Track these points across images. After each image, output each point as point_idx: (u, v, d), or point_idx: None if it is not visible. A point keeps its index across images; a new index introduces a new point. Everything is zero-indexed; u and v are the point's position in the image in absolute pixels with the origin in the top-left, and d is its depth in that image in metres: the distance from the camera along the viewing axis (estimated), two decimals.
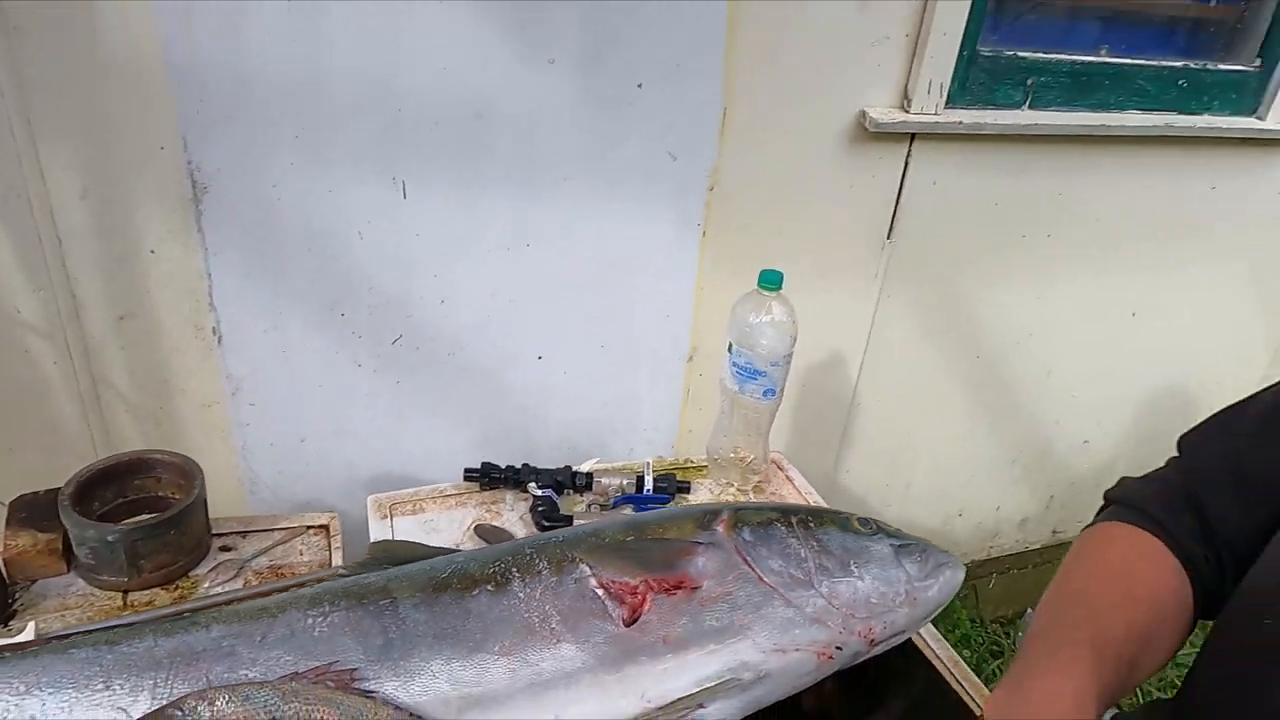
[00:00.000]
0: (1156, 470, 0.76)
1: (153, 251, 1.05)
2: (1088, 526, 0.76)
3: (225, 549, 0.95)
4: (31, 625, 0.81)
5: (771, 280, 1.05)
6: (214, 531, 0.96)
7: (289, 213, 1.08)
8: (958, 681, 0.87)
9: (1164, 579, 0.68)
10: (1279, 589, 0.60)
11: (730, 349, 1.08)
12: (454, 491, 1.09)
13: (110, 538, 0.84)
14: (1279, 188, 1.66)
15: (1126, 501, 0.75)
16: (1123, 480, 0.78)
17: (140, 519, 0.89)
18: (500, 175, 1.16)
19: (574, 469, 1.09)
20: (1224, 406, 0.73)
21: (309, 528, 1.00)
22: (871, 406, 1.62)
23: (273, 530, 0.99)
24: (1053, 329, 1.70)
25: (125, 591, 0.88)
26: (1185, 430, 0.75)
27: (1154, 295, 1.75)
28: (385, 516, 1.03)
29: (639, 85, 1.17)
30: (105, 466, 0.92)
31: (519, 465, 1.09)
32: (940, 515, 1.89)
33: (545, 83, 1.12)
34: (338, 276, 1.15)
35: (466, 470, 1.09)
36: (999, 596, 2.11)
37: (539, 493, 1.06)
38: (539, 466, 1.09)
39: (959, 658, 0.90)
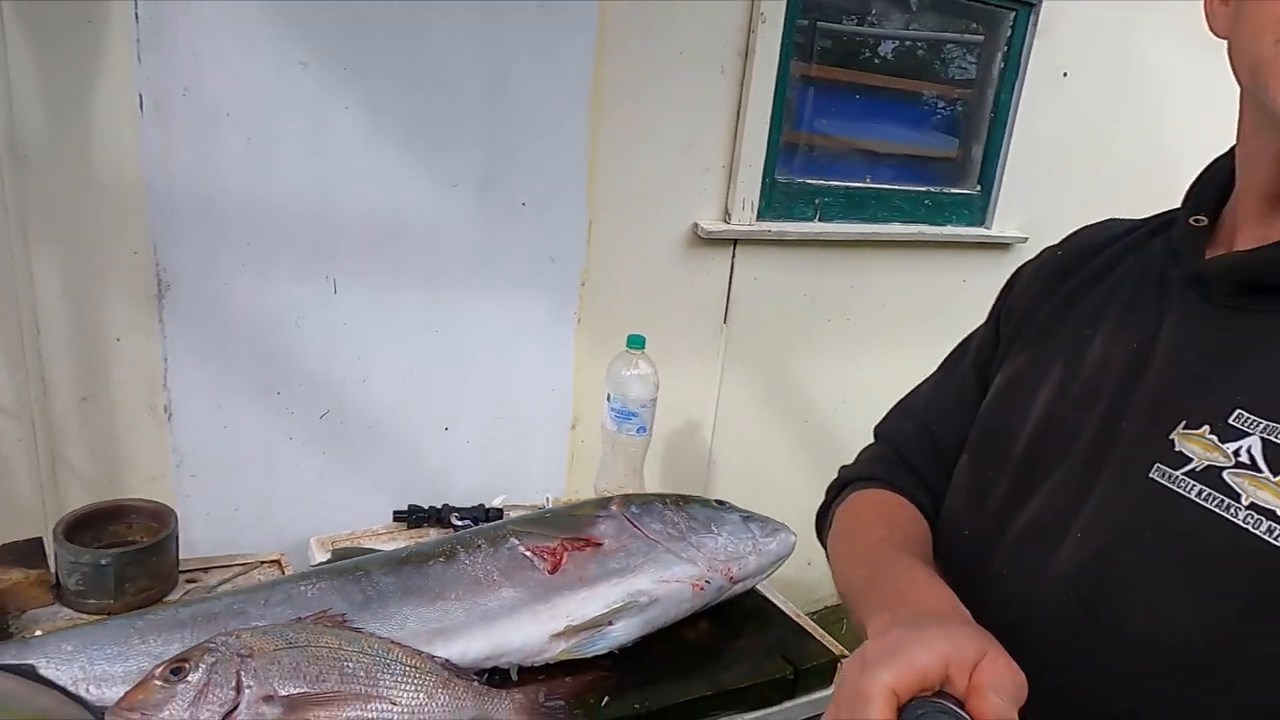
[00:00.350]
0: (861, 453, 0.87)
1: (118, 340, 1.23)
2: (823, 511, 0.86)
3: (191, 580, 1.11)
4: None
5: (637, 342, 1.36)
6: (180, 569, 1.12)
7: (238, 306, 1.30)
8: (805, 628, 1.14)
9: (915, 512, 0.77)
10: (966, 505, 0.73)
11: (609, 398, 1.37)
12: (385, 530, 1.28)
13: (103, 561, 0.99)
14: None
15: (850, 479, 0.83)
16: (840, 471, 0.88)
17: (127, 546, 1.04)
18: (413, 275, 1.43)
19: (486, 505, 1.32)
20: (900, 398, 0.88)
21: (263, 562, 1.17)
22: (726, 464, 1.94)
23: (231, 565, 1.15)
24: (861, 395, 2.10)
25: (109, 614, 1.02)
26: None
27: (931, 366, 2.19)
28: (328, 553, 1.21)
29: (523, 204, 1.50)
30: (88, 512, 1.07)
31: (439, 505, 1.31)
32: (793, 564, 2.18)
33: (449, 202, 1.43)
34: (276, 360, 1.36)
35: (395, 513, 1.29)
36: (851, 640, 2.40)
37: (460, 523, 1.27)
38: (455, 505, 1.31)
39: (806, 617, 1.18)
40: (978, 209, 2.09)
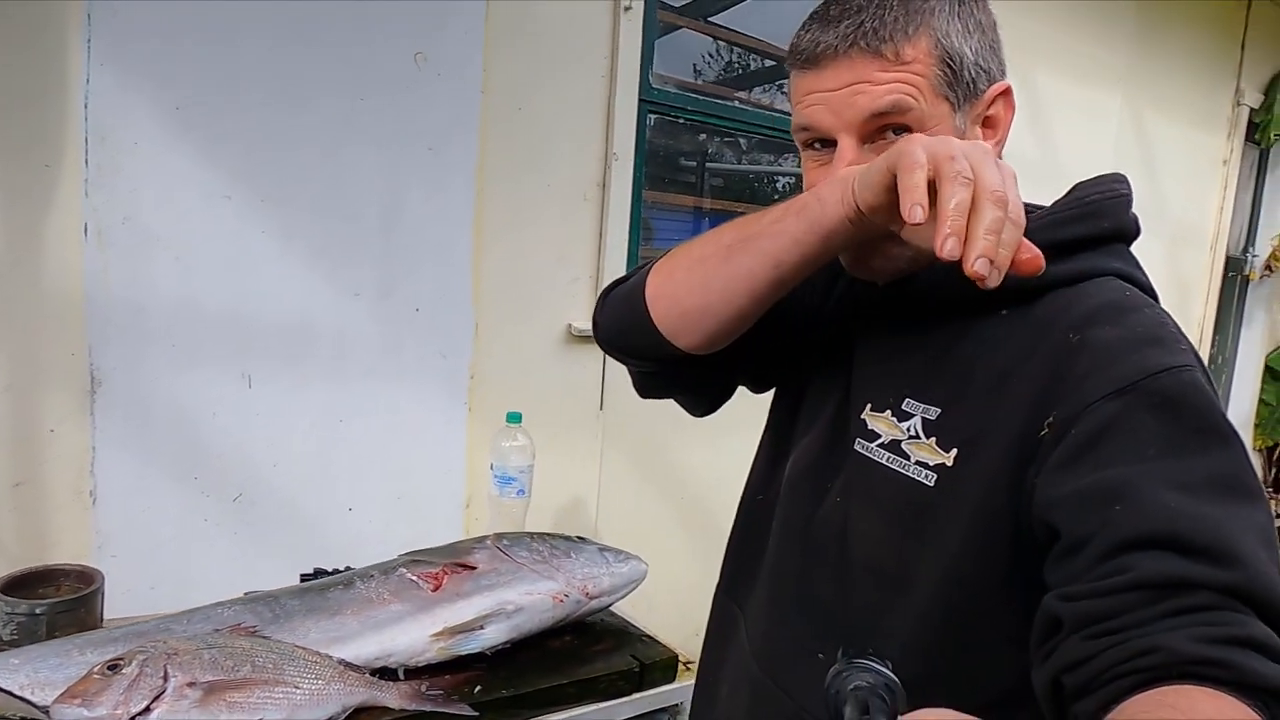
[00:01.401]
0: None
1: (52, 431, 1.41)
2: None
3: None
4: None
5: (515, 418, 1.61)
6: (104, 625, 1.26)
7: (161, 401, 1.50)
8: (654, 637, 1.35)
9: None
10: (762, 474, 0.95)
11: (492, 468, 1.60)
12: None
13: (37, 610, 1.14)
14: None
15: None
16: None
17: (61, 597, 1.19)
18: (320, 371, 1.66)
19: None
20: None
21: None
22: (610, 537, 2.15)
23: (151, 620, 1.30)
24: (731, 469, 2.36)
25: None
26: None
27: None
28: None
29: (417, 310, 1.76)
30: (22, 574, 1.22)
31: (343, 567, 1.49)
32: (680, 635, 2.37)
33: (352, 309, 1.68)
34: (195, 449, 1.55)
35: (302, 575, 1.46)
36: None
37: None
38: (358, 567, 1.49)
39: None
40: None
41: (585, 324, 1.98)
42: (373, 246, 1.68)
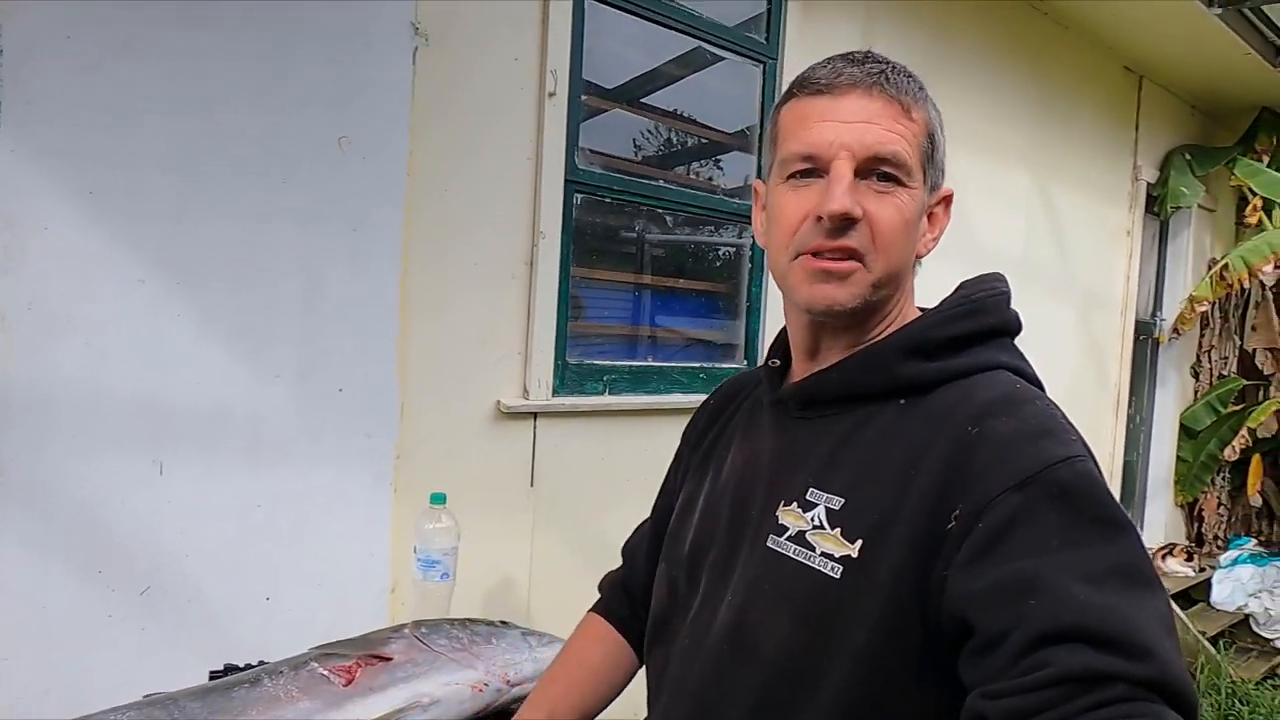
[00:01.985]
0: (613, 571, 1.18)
1: None
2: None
3: None
4: None
5: (439, 499, 1.58)
6: None
7: (65, 490, 1.44)
8: None
9: (595, 647, 1.08)
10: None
11: (415, 550, 1.56)
12: None
13: None
14: None
15: (601, 590, 1.19)
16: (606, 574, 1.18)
17: None
18: (237, 455, 1.62)
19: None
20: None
21: None
22: (542, 616, 2.10)
23: None
24: None
25: None
26: None
27: None
28: None
29: (340, 390, 1.74)
30: None
31: (255, 662, 1.42)
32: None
33: (272, 391, 1.65)
34: (99, 541, 1.48)
35: (212, 672, 1.39)
36: None
37: None
38: (273, 660, 1.43)
39: None
40: None
41: (514, 400, 1.98)
42: (293, 327, 1.66)
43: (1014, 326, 0.83)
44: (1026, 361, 0.81)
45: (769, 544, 0.80)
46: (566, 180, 2.04)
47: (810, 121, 0.78)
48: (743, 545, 0.84)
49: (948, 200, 0.86)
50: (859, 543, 0.72)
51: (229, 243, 1.57)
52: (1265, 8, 3.49)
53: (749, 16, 2.48)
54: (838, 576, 0.73)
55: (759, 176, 2.55)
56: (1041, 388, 0.79)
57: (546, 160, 1.99)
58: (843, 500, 0.75)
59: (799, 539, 0.77)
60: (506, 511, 2.02)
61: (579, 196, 2.11)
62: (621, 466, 2.23)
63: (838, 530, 0.74)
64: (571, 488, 2.14)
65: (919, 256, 0.84)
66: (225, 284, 1.57)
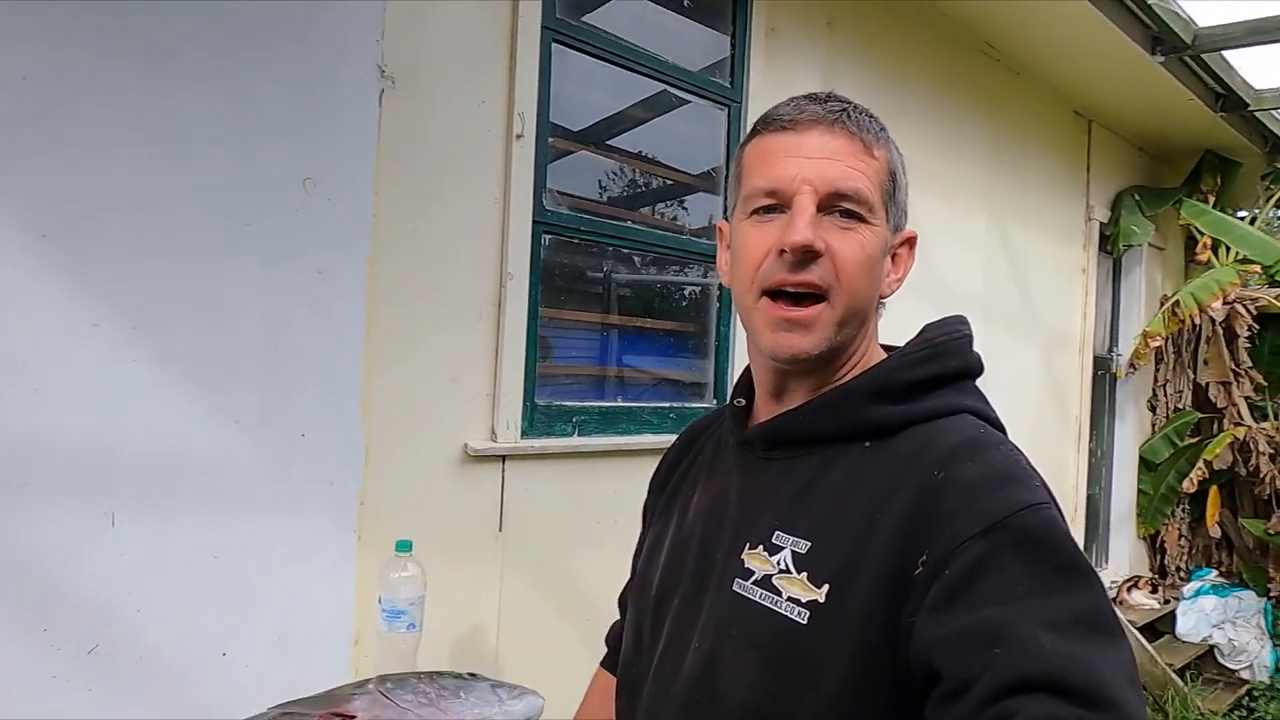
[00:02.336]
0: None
1: None
2: None
3: None
4: None
5: (404, 546, 1.54)
6: None
7: (7, 545, 1.37)
8: None
9: (605, 706, 1.03)
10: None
11: (380, 600, 1.51)
12: None
13: None
14: None
15: (608, 642, 1.16)
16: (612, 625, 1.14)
17: None
18: (194, 505, 1.56)
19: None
20: None
21: None
22: (513, 664, 2.04)
23: None
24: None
25: None
26: None
27: None
28: None
29: (302, 435, 1.69)
30: None
31: None
32: None
33: (233, 436, 1.60)
34: (46, 596, 1.41)
35: None
36: None
37: None
38: None
39: None
40: None
41: (482, 443, 1.95)
42: (255, 371, 1.62)
43: (976, 369, 0.83)
44: (988, 404, 0.82)
45: (735, 588, 0.79)
46: (534, 221, 2.04)
47: (774, 157, 0.79)
48: (708, 589, 0.83)
49: (911, 242, 0.86)
50: (826, 587, 0.72)
51: (191, 284, 1.54)
52: (1204, 55, 3.65)
53: (714, 61, 2.52)
54: (805, 622, 0.72)
55: (724, 217, 2.59)
56: (1003, 430, 0.80)
57: (514, 201, 1.99)
58: (809, 544, 0.75)
59: (765, 583, 0.76)
60: (474, 558, 1.98)
61: (547, 237, 2.11)
62: (592, 509, 2.20)
63: (804, 574, 0.73)
64: (541, 532, 2.10)
65: (882, 297, 0.84)
66: (186, 327, 1.53)
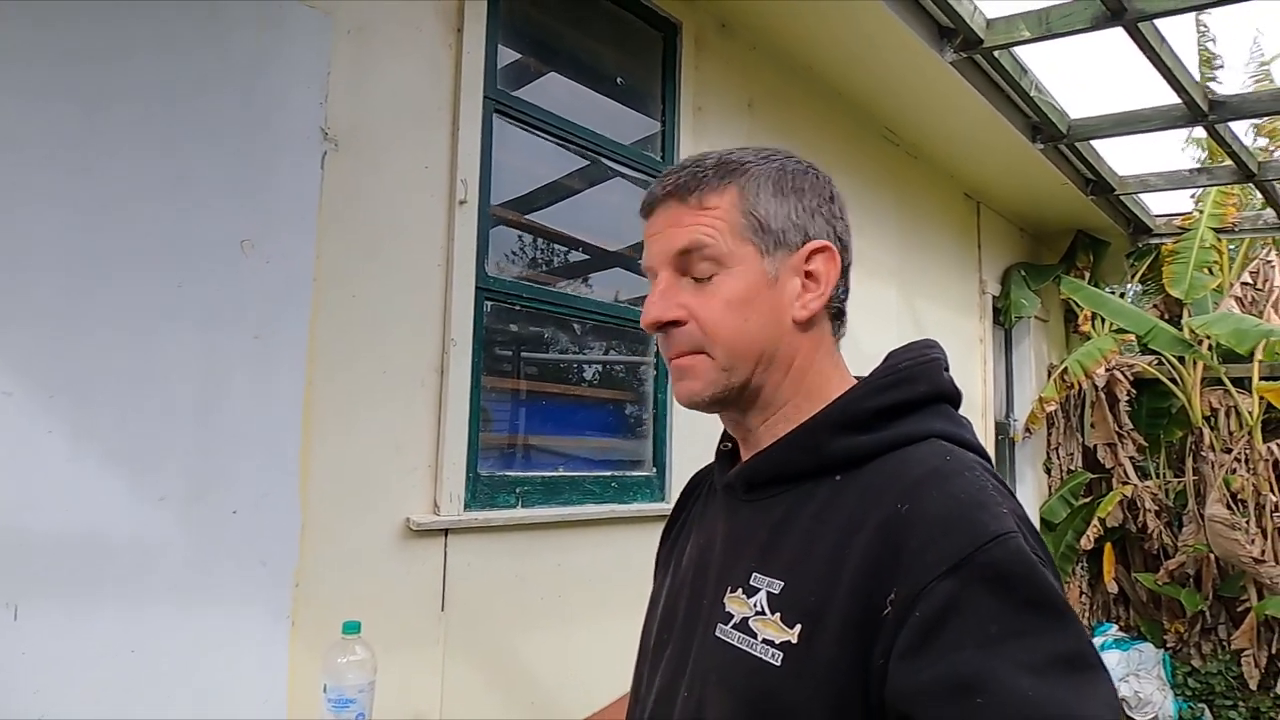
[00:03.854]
0: None
1: None
2: None
3: None
4: None
5: (352, 627, 1.43)
6: None
7: None
8: None
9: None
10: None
11: (325, 689, 1.39)
12: None
13: None
14: None
15: None
16: None
17: None
18: (111, 593, 1.41)
19: None
20: None
21: None
22: None
23: None
24: (580, 667, 2.22)
25: None
26: None
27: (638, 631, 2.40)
28: None
29: (234, 512, 1.57)
30: None
31: None
32: None
33: (156, 515, 1.47)
34: None
35: None
36: None
37: None
38: None
39: None
40: (656, 487, 2.47)
41: (424, 517, 1.86)
42: (184, 444, 1.51)
43: (948, 392, 0.82)
44: (964, 425, 0.81)
45: (717, 634, 0.77)
46: (477, 287, 2.01)
47: (644, 239, 0.85)
48: (695, 637, 0.81)
49: (824, 251, 0.82)
50: (798, 627, 0.70)
51: (116, 350, 1.43)
52: (1077, 144, 4.01)
53: (645, 135, 2.59)
54: (778, 664, 0.70)
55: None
56: (979, 450, 0.79)
57: (457, 267, 1.96)
58: (782, 583, 0.74)
59: (743, 626, 0.75)
60: (416, 641, 1.86)
61: (489, 304, 2.08)
62: (536, 586, 2.12)
63: (778, 615, 0.72)
64: (485, 611, 1.99)
65: (797, 321, 0.81)
66: (109, 395, 1.41)
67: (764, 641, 0.72)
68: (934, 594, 0.64)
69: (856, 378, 0.85)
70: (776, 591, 0.73)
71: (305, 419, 1.67)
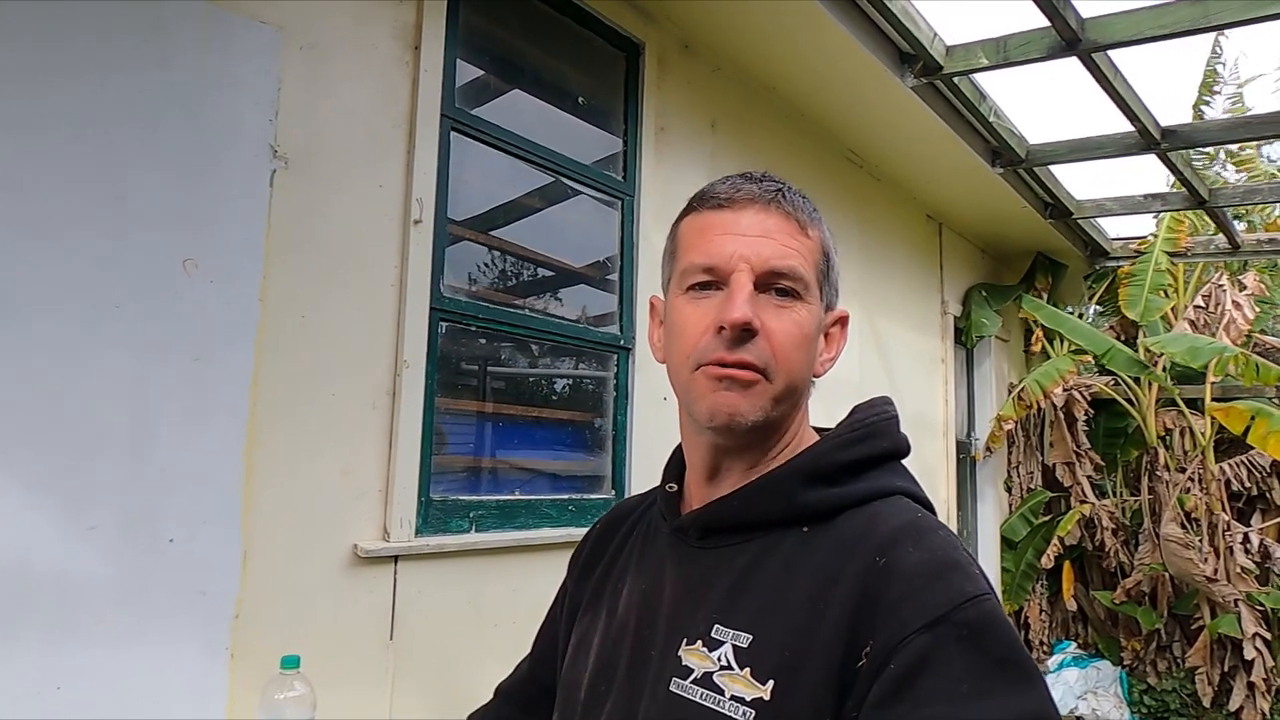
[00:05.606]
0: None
1: None
2: None
3: None
4: None
5: (291, 662, 1.38)
6: None
7: None
8: None
9: None
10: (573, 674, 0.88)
11: None
12: None
13: None
14: None
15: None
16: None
17: None
18: (33, 629, 1.35)
19: None
20: None
21: None
22: None
23: None
24: None
25: None
26: None
27: None
28: None
29: (170, 540, 1.51)
30: None
31: None
32: None
33: (85, 545, 1.41)
34: None
35: None
36: None
37: None
38: None
39: None
40: None
41: (373, 543, 1.81)
42: (117, 471, 1.45)
43: (904, 449, 0.83)
44: (917, 484, 0.82)
45: (673, 688, 0.74)
46: (432, 308, 1.98)
47: (710, 234, 0.79)
48: (643, 692, 0.77)
49: (843, 321, 0.86)
50: (771, 684, 0.68)
51: (46, 373, 1.37)
52: (1036, 169, 4.08)
53: (607, 155, 2.58)
54: None
55: (620, 305, 2.62)
56: (931, 509, 0.80)
57: (411, 287, 1.92)
58: (750, 637, 0.71)
59: (706, 681, 0.72)
60: (363, 672, 1.80)
61: (444, 325, 2.04)
62: (489, 613, 2.07)
63: (747, 670, 0.70)
64: (436, 640, 1.95)
65: (816, 375, 0.83)
66: (37, 422, 1.36)
67: (733, 699, 0.69)
68: (909, 648, 0.64)
69: (818, 429, 0.85)
70: (744, 645, 0.71)
71: (249, 443, 1.62)
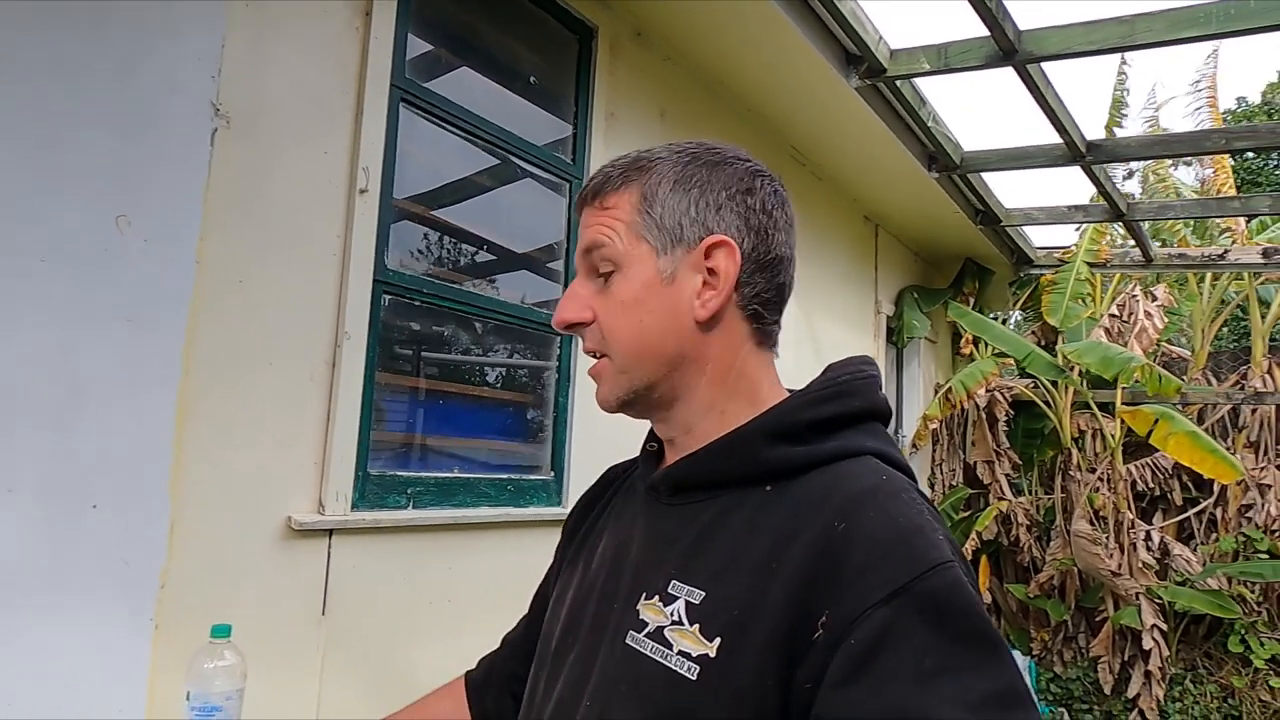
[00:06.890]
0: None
1: None
2: None
3: None
4: None
5: (222, 631, 1.34)
6: None
7: None
8: None
9: (441, 698, 1.07)
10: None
11: (189, 697, 1.30)
12: None
13: None
14: None
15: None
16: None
17: None
18: None
19: None
20: None
21: None
22: None
23: None
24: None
25: None
26: None
27: None
28: None
29: (94, 506, 1.46)
30: None
31: None
32: None
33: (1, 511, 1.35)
34: None
35: None
36: None
37: None
38: None
39: None
40: (554, 491, 2.44)
41: (308, 516, 1.77)
42: (38, 433, 1.39)
43: (882, 410, 0.81)
44: (894, 446, 0.80)
45: (628, 641, 0.74)
46: (375, 280, 1.94)
47: None
48: (603, 644, 0.77)
49: (723, 246, 0.78)
50: (717, 641, 0.68)
51: None
52: (969, 175, 4.23)
53: (556, 139, 2.57)
54: (694, 678, 0.68)
55: (564, 288, 2.61)
56: (909, 472, 0.78)
57: (354, 258, 1.89)
58: (703, 594, 0.71)
59: (657, 635, 0.72)
60: (293, 646, 1.77)
61: (387, 297, 2.01)
62: (425, 590, 2.05)
63: (696, 627, 0.69)
64: (369, 616, 1.92)
65: (698, 320, 0.78)
66: None
67: (680, 653, 0.69)
68: (869, 622, 0.62)
69: (788, 390, 0.83)
70: (696, 601, 0.70)
71: (179, 409, 1.57)
